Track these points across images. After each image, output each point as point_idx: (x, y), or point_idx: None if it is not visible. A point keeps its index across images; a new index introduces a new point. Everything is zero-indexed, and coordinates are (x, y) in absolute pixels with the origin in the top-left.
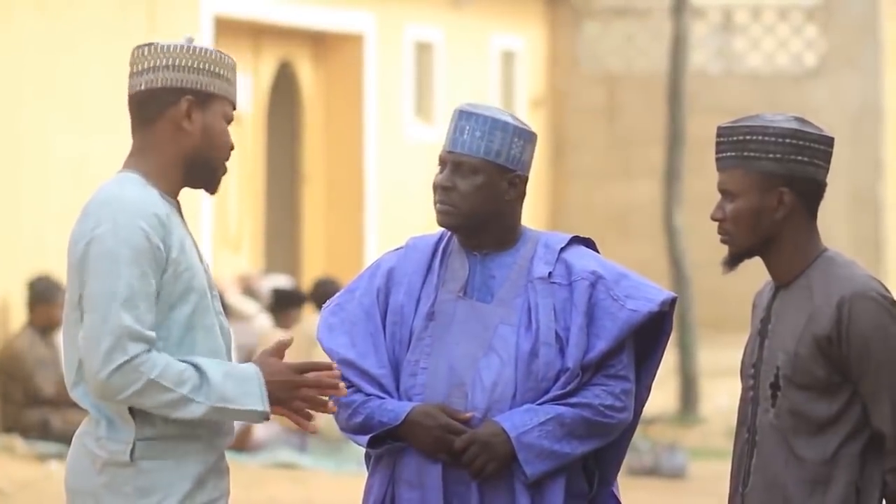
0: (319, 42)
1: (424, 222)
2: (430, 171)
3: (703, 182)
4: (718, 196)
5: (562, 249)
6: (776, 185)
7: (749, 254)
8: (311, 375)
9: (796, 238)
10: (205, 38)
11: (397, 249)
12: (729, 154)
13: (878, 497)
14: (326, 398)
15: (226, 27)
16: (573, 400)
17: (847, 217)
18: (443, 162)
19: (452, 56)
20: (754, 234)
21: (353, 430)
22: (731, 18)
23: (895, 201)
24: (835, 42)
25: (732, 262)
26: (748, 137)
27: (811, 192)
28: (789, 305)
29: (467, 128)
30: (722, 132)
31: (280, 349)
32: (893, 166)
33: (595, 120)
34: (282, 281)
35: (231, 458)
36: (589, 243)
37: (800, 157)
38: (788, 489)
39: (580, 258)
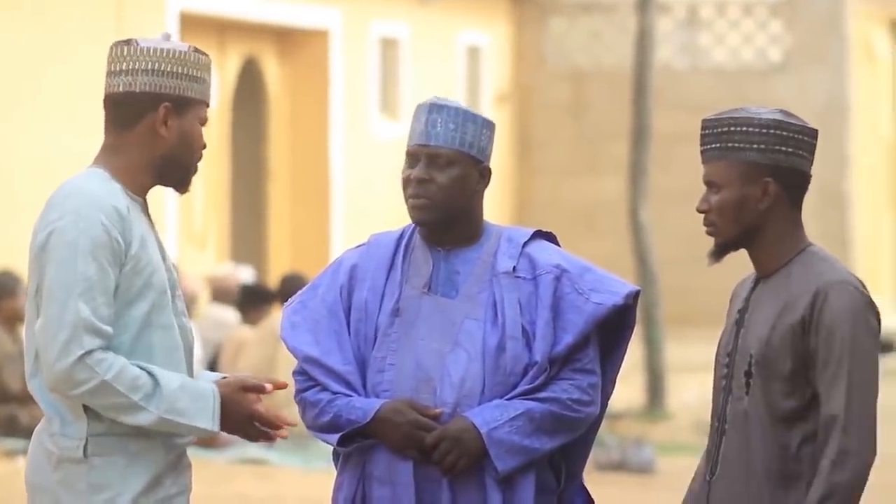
0: (285, 38)
1: (390, 218)
2: (396, 167)
3: (668, 178)
4: (684, 192)
5: (525, 244)
6: (760, 175)
7: (734, 245)
8: (264, 413)
9: (780, 229)
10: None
11: (359, 246)
12: (713, 146)
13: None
14: (279, 429)
15: (191, 23)
16: (542, 395)
17: (814, 213)
18: (414, 156)
19: (418, 52)
20: (738, 224)
21: (321, 430)
22: (697, 14)
23: (861, 197)
24: (800, 37)
25: (718, 253)
26: (732, 129)
27: (796, 183)
28: (767, 295)
29: (440, 120)
30: (706, 125)
31: (257, 390)
32: (859, 162)
33: (561, 116)
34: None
35: (198, 455)
36: (551, 237)
37: (784, 148)
38: (755, 479)
39: (543, 252)
